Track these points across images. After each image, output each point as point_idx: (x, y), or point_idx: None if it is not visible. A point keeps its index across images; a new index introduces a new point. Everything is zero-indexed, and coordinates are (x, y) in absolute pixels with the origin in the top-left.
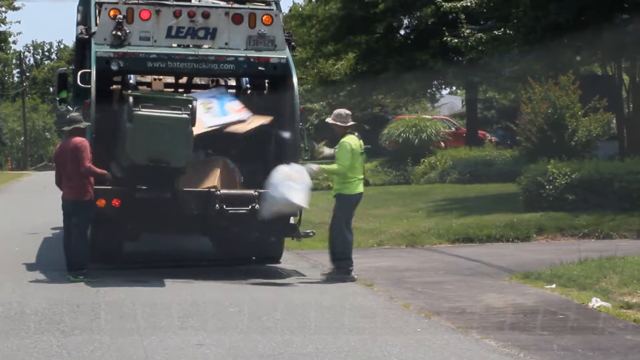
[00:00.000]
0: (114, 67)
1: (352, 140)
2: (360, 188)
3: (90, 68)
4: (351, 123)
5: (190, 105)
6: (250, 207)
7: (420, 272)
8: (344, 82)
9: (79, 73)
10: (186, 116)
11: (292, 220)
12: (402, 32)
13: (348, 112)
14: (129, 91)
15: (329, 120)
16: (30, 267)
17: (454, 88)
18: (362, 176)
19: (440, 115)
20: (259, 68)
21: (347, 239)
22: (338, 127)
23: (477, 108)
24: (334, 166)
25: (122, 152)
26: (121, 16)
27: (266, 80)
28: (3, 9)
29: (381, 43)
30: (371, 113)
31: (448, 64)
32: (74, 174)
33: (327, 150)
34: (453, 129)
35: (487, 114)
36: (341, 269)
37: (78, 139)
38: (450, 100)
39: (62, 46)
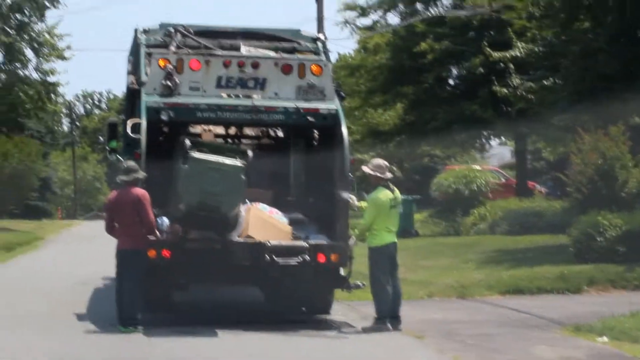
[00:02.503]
0: (164, 117)
1: (383, 195)
2: (389, 239)
3: (140, 118)
4: (389, 176)
5: (245, 155)
6: (300, 258)
7: (471, 324)
8: (392, 133)
9: (129, 123)
10: (240, 164)
11: (342, 271)
12: (450, 82)
13: (387, 164)
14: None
15: (367, 169)
16: (80, 317)
17: (502, 139)
18: (393, 228)
19: (490, 166)
20: (309, 118)
21: (384, 290)
22: (375, 177)
23: (526, 159)
24: (360, 226)
25: (174, 197)
26: (171, 66)
27: (315, 131)
28: (52, 59)
29: (430, 93)
30: (420, 163)
31: (497, 114)
32: (132, 223)
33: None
34: (503, 179)
35: (536, 165)
36: (379, 319)
37: (140, 191)
38: (500, 151)
39: (111, 96)
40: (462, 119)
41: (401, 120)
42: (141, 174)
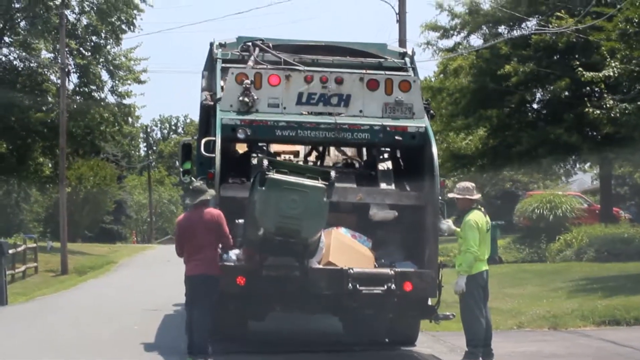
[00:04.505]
0: (240, 135)
1: (478, 217)
2: (481, 266)
3: (215, 136)
4: (477, 196)
5: (328, 176)
6: (385, 287)
7: (568, 359)
8: (474, 157)
9: (203, 141)
10: (322, 185)
11: (429, 301)
12: (534, 105)
13: (473, 184)
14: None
15: (454, 194)
16: (148, 347)
17: (585, 165)
18: (486, 254)
19: (572, 192)
20: (396, 137)
21: (477, 321)
22: (465, 201)
23: (611, 184)
24: (465, 258)
25: (250, 221)
26: (249, 81)
27: (403, 151)
28: (129, 82)
29: (513, 117)
30: (502, 188)
31: (582, 139)
32: (205, 245)
33: (444, 225)
34: (586, 205)
35: (620, 191)
36: (470, 352)
37: (214, 211)
38: (581, 177)
39: (188, 120)
40: (547, 143)
41: (483, 145)
42: (209, 195)
